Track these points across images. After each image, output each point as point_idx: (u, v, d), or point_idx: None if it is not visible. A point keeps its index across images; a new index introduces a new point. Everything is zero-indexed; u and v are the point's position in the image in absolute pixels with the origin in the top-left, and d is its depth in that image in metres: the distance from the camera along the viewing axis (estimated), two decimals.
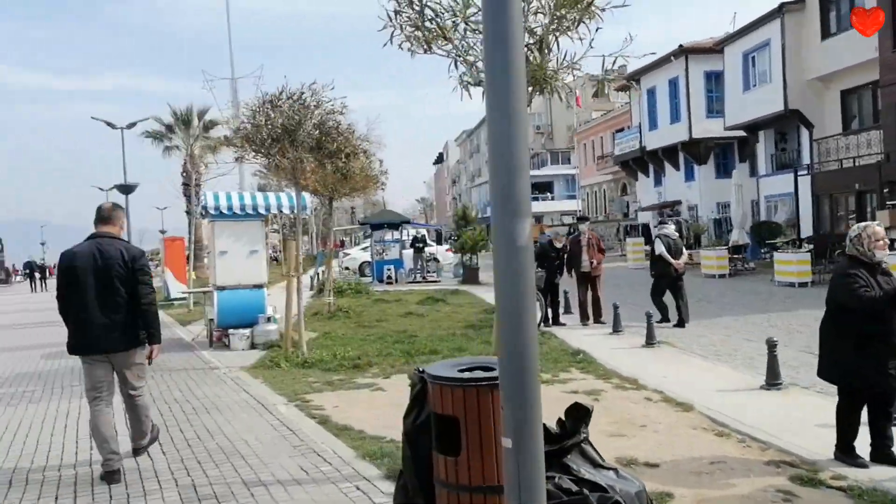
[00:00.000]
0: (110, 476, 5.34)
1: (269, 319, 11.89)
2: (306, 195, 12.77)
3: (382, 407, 7.33)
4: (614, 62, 4.94)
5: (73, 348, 5.52)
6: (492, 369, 3.37)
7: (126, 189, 27.40)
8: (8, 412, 7.88)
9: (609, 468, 3.89)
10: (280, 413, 7.16)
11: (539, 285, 12.45)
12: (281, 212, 12.32)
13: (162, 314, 12.94)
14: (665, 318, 12.33)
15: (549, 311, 12.95)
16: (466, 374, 3.34)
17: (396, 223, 26.93)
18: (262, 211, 12.07)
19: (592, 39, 4.90)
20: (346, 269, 30.31)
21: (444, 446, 3.34)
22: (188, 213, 36.39)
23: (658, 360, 9.37)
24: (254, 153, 10.01)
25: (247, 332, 11.70)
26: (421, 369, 3.80)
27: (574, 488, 3.35)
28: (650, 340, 10.29)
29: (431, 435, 3.47)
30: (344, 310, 16.28)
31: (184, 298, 20.60)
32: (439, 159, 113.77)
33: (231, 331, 11.75)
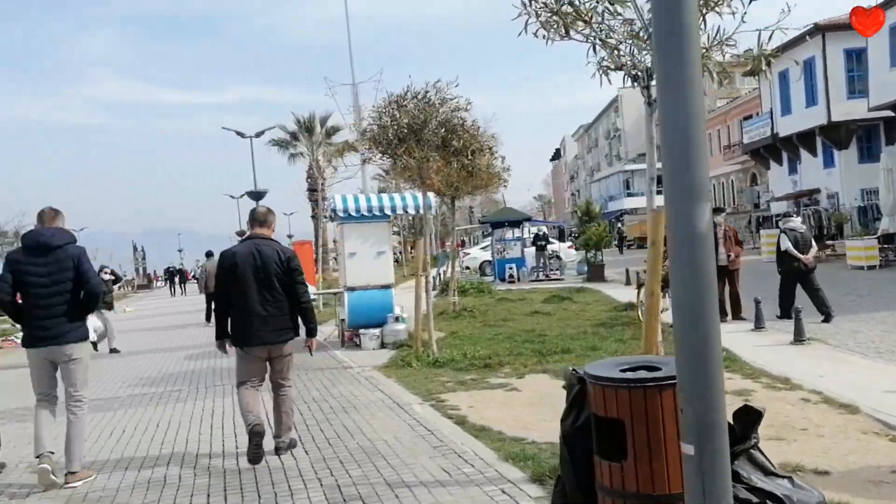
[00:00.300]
0: (256, 436, 5.65)
1: (397, 319, 11.97)
2: (430, 195, 12.78)
3: (519, 407, 7.16)
4: (770, 37, 4.55)
5: (235, 340, 5.95)
6: (657, 369, 3.13)
7: (256, 195, 28.55)
8: (157, 411, 8.23)
9: (783, 476, 3.55)
10: (416, 413, 7.11)
11: None
12: (406, 212, 12.37)
13: None
14: (786, 315, 11.46)
15: None
16: (631, 375, 3.10)
17: (517, 221, 26.71)
18: (387, 212, 12.17)
19: (745, 13, 4.54)
20: (467, 268, 30.37)
21: (607, 450, 3.12)
22: (314, 217, 37.58)
23: (810, 358, 8.73)
24: (380, 154, 10.08)
25: (376, 331, 11.81)
26: (577, 369, 3.58)
27: (753, 499, 3.06)
28: (799, 337, 9.62)
29: (591, 438, 3.26)
30: (469, 309, 16.24)
31: (314, 300, 21.19)
32: (556, 155, 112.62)
33: (361, 330, 11.90)
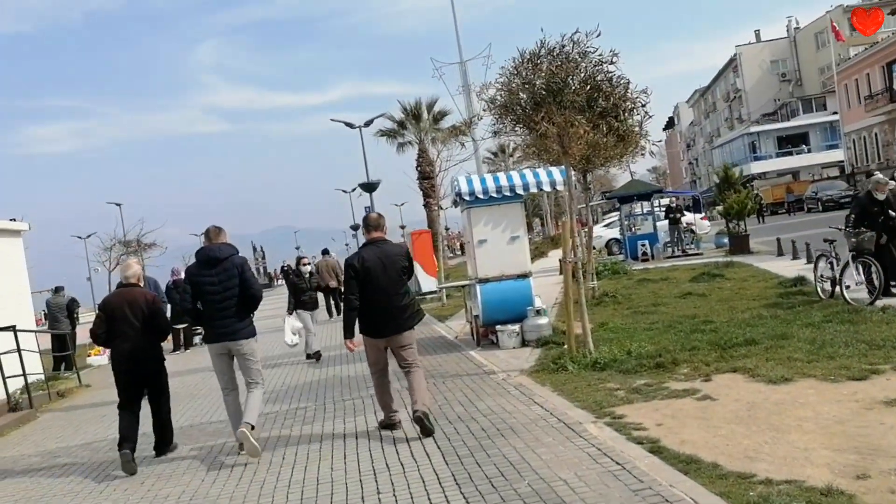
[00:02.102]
0: (392, 427, 6.66)
1: (538, 312, 10.55)
2: (554, 170, 11.24)
3: (724, 424, 5.60)
4: None
5: (365, 331, 6.64)
6: None
7: (369, 187, 27.79)
8: (281, 442, 7.11)
9: None
10: (592, 436, 5.68)
11: (868, 247, 9.99)
12: (540, 189, 10.88)
13: None
14: None
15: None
16: None
17: (647, 194, 24.66)
18: (520, 191, 10.73)
19: None
20: (593, 248, 28.56)
21: None
22: (426, 205, 36.60)
23: None
24: (513, 124, 8.66)
25: (516, 327, 10.45)
26: None
27: None
28: None
29: None
30: (609, 294, 14.65)
31: (435, 292, 20.04)
32: (669, 124, 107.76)
33: (499, 327, 10.56)
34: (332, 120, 29.95)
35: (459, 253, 60.58)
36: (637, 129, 8.49)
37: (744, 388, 6.55)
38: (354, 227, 55.85)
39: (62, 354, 15.36)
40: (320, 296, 19.01)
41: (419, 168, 37.58)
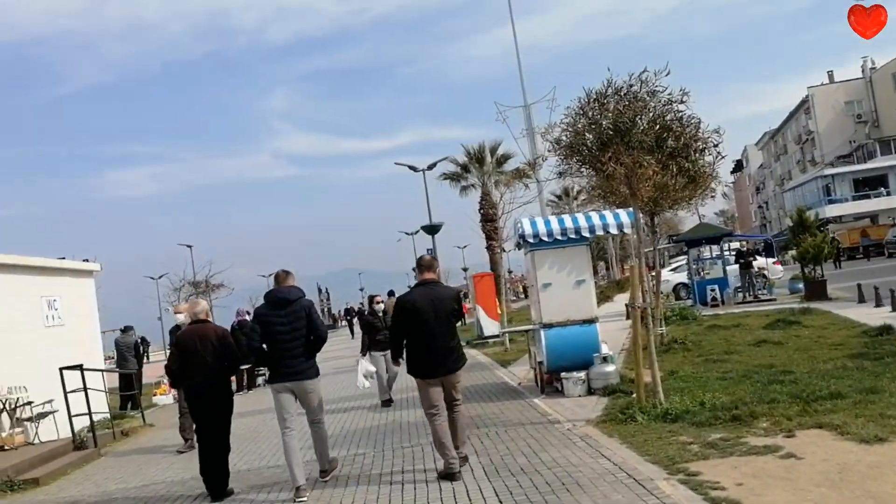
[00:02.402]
0: (452, 476, 6.47)
1: (605, 359, 10.17)
2: (621, 213, 10.93)
3: (812, 487, 5.16)
4: None
5: (417, 372, 6.78)
6: None
7: (432, 229, 27.80)
8: (338, 490, 6.90)
9: None
10: (664, 494, 5.30)
11: None
12: (607, 232, 10.58)
13: (479, 354, 12.08)
14: None
15: None
16: None
17: (716, 237, 23.96)
18: (585, 234, 10.44)
19: None
20: (660, 292, 27.84)
21: None
22: (488, 248, 36.46)
23: None
24: (578, 165, 8.44)
25: (582, 375, 10.08)
26: None
27: None
28: None
29: None
30: (679, 340, 14.09)
31: (498, 336, 19.70)
32: (737, 167, 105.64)
33: (564, 374, 10.20)
34: (396, 164, 30.22)
35: (522, 296, 60.04)
36: (708, 169, 8.15)
37: (832, 446, 6.07)
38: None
39: (129, 393, 15.56)
40: None
41: (482, 210, 37.59)
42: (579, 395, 9.94)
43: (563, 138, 8.34)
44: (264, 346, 6.90)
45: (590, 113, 8.17)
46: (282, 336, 6.81)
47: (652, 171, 7.73)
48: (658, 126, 7.77)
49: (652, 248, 19.57)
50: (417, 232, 47.69)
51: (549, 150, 8.38)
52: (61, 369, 10.56)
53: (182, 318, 8.88)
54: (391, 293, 21.73)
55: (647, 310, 8.36)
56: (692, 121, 7.97)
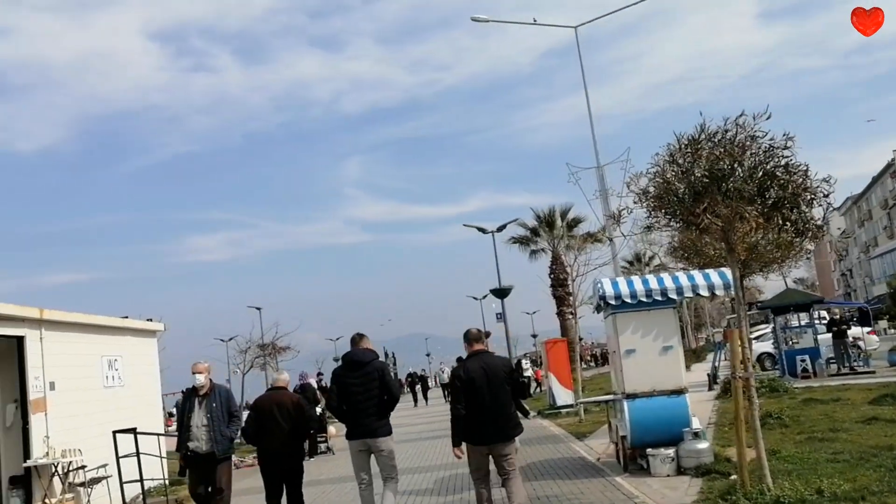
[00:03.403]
0: None
1: (696, 435, 9.13)
2: (712, 273, 10.00)
3: None
4: None
5: (471, 439, 6.82)
6: None
7: (501, 293, 27.05)
8: None
9: None
10: None
11: None
12: (697, 294, 9.66)
13: (551, 425, 11.17)
14: None
15: None
16: None
17: (805, 304, 22.46)
18: (672, 296, 9.55)
19: None
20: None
21: None
22: (559, 314, 35.36)
23: None
24: (667, 218, 7.64)
25: (671, 451, 9.06)
26: None
27: None
28: None
29: None
30: (774, 415, 12.83)
31: (572, 406, 18.61)
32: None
33: (650, 450, 9.20)
34: (465, 226, 29.76)
35: (591, 364, 58.22)
36: (819, 222, 7.24)
37: None
38: (486, 335, 54.89)
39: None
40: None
41: (552, 275, 36.65)
42: (668, 475, 8.91)
43: (651, 188, 7.58)
44: (343, 406, 7.34)
45: (680, 160, 7.41)
46: (356, 395, 7.24)
47: (755, 222, 6.87)
48: (761, 173, 6.95)
49: (736, 315, 18.33)
50: (486, 296, 46.91)
51: (634, 202, 7.61)
52: (114, 433, 10.11)
53: (202, 378, 8.24)
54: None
55: (751, 380, 7.37)
56: (799, 168, 7.12)
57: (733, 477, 8.12)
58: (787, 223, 7.14)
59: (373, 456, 7.36)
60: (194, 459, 8.05)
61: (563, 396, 19.89)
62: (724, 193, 7.05)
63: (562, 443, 13.79)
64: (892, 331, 23.59)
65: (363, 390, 7.23)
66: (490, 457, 6.86)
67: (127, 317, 13.71)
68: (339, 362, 7.97)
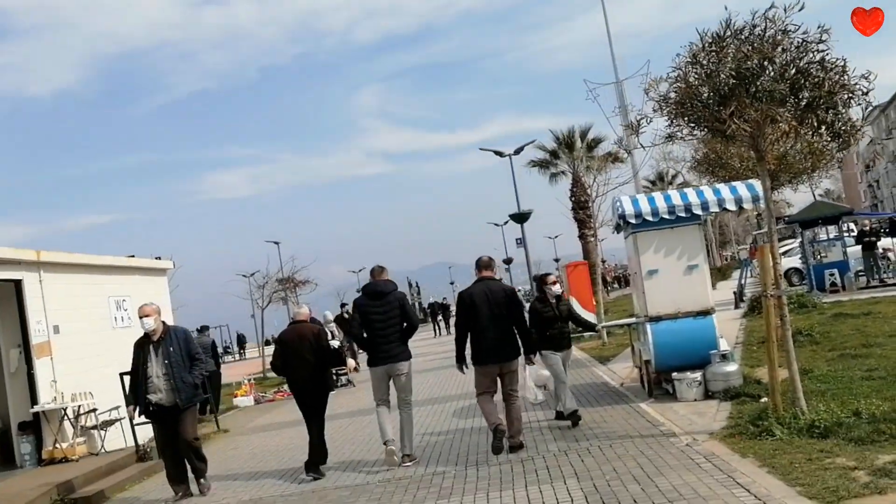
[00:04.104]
0: (499, 433, 7.14)
1: (724, 357, 8.68)
2: (739, 185, 9.36)
3: None
4: None
5: (475, 360, 7.43)
6: None
7: (520, 218, 26.46)
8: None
9: None
10: None
11: None
12: (723, 208, 9.06)
13: (574, 349, 10.79)
14: None
15: None
16: None
17: (834, 216, 21.66)
18: (697, 211, 8.96)
19: None
20: None
21: None
22: (581, 237, 34.75)
23: None
24: (690, 125, 7.01)
25: (697, 375, 8.63)
26: None
27: None
28: None
29: None
30: (804, 332, 12.33)
31: (594, 330, 18.20)
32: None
33: (675, 374, 8.77)
34: (481, 149, 28.97)
35: (614, 286, 57.82)
36: (859, 123, 6.56)
37: None
38: (507, 261, 54.63)
39: (205, 396, 14.93)
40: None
41: (573, 197, 35.91)
42: (695, 400, 8.51)
43: (672, 94, 6.92)
44: (364, 333, 7.72)
45: (704, 61, 6.72)
46: (378, 324, 7.62)
47: (787, 126, 6.22)
48: (793, 71, 6.26)
49: (766, 230, 17.66)
50: (507, 222, 46.28)
51: (654, 109, 6.96)
52: (122, 374, 9.83)
53: (151, 323, 7.65)
54: None
55: (783, 298, 6.85)
56: (835, 64, 6.41)
57: (764, 400, 7.71)
58: (823, 126, 6.48)
59: (391, 380, 7.74)
60: (158, 413, 7.50)
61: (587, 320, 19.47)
62: (753, 95, 6.39)
63: (584, 367, 13.45)
64: None
65: (384, 318, 7.62)
66: (498, 377, 7.45)
67: (133, 256, 13.36)
68: (360, 293, 8.32)
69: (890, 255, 23.94)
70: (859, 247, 21.75)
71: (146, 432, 10.07)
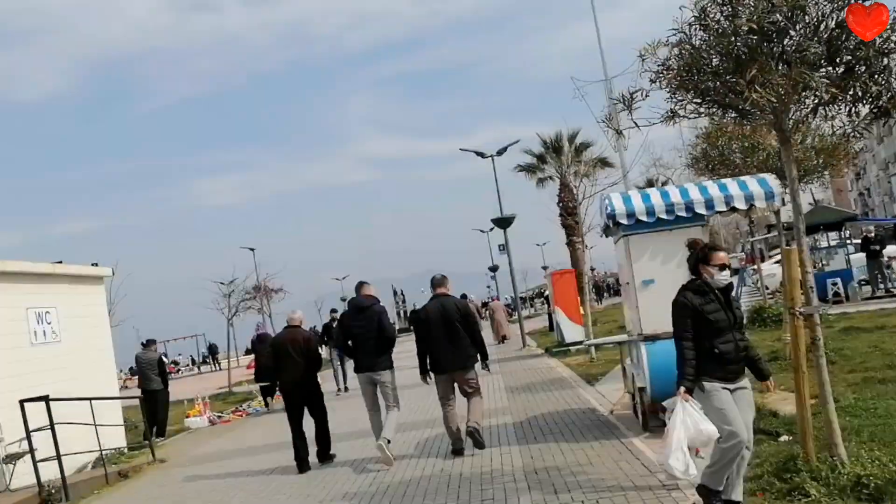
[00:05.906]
0: (459, 452, 8.01)
1: None
2: (749, 180, 7.95)
3: None
4: None
5: (433, 369, 8.25)
6: None
7: (503, 223, 25.11)
8: None
9: None
10: None
11: None
12: (730, 207, 7.65)
13: (559, 366, 9.60)
14: None
15: None
16: None
17: (838, 222, 20.38)
18: (700, 210, 7.56)
19: None
20: (767, 289, 24.36)
21: None
22: (568, 244, 33.45)
23: None
24: (696, 100, 5.60)
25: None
26: None
27: None
28: None
29: None
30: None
31: (580, 344, 16.81)
32: None
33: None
34: (461, 150, 27.57)
35: (606, 296, 56.33)
36: None
37: None
38: (493, 269, 53.27)
39: (156, 418, 13.45)
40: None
41: (560, 203, 34.59)
42: None
43: (674, 61, 5.50)
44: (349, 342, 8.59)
45: (712, 22, 5.31)
46: (360, 336, 8.40)
47: (826, 93, 4.82)
48: (832, 24, 4.87)
49: (755, 239, 16.31)
50: (493, 229, 44.88)
51: (652, 80, 5.53)
52: (21, 402, 8.33)
53: None
54: (464, 296, 19.33)
55: (815, 317, 5.44)
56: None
57: (783, 438, 6.33)
58: (868, 97, 5.07)
59: (377, 388, 8.41)
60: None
61: (572, 333, 18.09)
62: (779, 57, 4.99)
63: (569, 389, 12.02)
64: None
65: (365, 331, 8.35)
66: (455, 383, 8.19)
67: (61, 261, 11.85)
68: (346, 305, 9.38)
69: (894, 263, 22.68)
70: (863, 255, 20.48)
71: (52, 470, 8.59)
